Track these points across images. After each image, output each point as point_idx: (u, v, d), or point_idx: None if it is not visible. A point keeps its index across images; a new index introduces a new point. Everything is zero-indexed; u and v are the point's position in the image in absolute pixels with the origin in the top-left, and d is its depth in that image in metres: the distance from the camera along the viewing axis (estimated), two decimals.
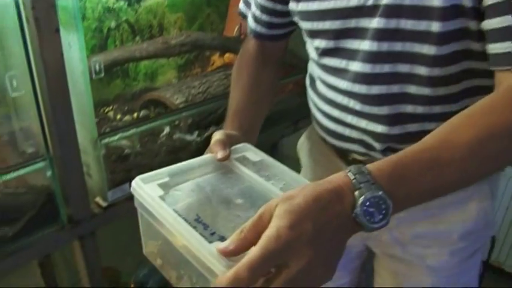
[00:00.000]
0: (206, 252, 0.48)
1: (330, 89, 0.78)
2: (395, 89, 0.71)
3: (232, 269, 0.44)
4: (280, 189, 0.62)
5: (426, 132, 0.54)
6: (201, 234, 0.51)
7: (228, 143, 0.68)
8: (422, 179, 0.49)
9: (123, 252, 1.47)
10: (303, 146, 1.01)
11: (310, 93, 0.87)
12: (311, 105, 0.88)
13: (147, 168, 1.07)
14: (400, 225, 0.83)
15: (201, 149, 1.19)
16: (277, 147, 1.98)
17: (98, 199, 1.03)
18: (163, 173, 0.61)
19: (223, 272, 0.45)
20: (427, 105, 0.71)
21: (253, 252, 0.43)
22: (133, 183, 0.59)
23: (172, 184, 0.61)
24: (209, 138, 1.25)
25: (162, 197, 0.56)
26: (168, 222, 0.53)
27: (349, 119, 0.77)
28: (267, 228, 0.44)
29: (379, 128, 0.74)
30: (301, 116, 1.41)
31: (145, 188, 0.57)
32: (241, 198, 0.61)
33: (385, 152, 0.76)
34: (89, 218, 0.99)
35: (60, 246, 1.08)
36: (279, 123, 1.40)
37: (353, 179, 0.47)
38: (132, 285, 1.34)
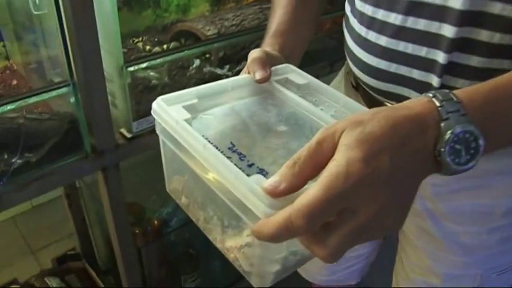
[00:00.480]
0: (244, 188, 0.37)
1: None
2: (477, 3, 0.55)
3: (283, 213, 0.34)
4: (332, 116, 0.52)
5: (493, 70, 0.44)
6: (235, 165, 0.41)
7: (268, 62, 0.56)
8: None
9: (148, 188, 1.46)
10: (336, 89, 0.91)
11: (349, 15, 0.74)
12: (347, 37, 0.75)
13: None
14: (435, 196, 0.72)
15: None
16: None
17: (123, 130, 1.00)
18: (190, 94, 0.51)
19: (268, 214, 0.35)
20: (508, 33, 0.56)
21: (313, 192, 0.33)
22: (155, 104, 0.49)
23: (201, 108, 0.51)
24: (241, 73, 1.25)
25: (188, 121, 0.46)
26: (196, 151, 0.43)
27: (402, 45, 0.63)
28: (331, 160, 0.35)
29: (440, 56, 0.60)
30: (338, 58, 1.33)
31: (169, 110, 0.47)
32: (284, 126, 0.51)
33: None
34: (112, 149, 0.95)
35: (84, 175, 1.07)
36: (315, 62, 1.33)
37: (439, 106, 0.38)
38: (156, 223, 1.33)
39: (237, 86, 0.54)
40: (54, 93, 0.85)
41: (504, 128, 0.40)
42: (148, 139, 1.00)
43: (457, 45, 0.58)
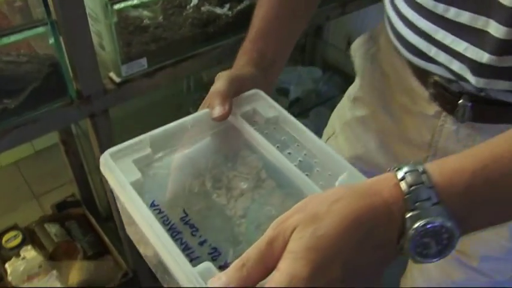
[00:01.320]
0: (189, 282, 0.35)
1: None
2: None
3: None
4: (300, 162, 0.47)
5: None
6: (185, 243, 0.40)
7: (231, 92, 0.49)
8: (506, 205, 0.33)
9: (139, 134, 1.41)
10: (362, 47, 0.77)
11: None
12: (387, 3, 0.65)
13: (168, 41, 0.97)
14: None
15: (230, 24, 1.07)
16: (323, 30, 1.79)
17: (112, 74, 0.92)
18: (143, 142, 0.45)
19: None
20: None
21: None
22: (102, 159, 0.44)
23: (154, 157, 0.46)
24: (241, 13, 1.15)
25: (138, 182, 0.42)
26: (143, 228, 0.39)
27: (441, 35, 0.53)
28: (276, 269, 0.31)
29: (484, 57, 0.49)
30: None
31: (116, 170, 0.42)
32: (245, 182, 0.46)
33: (482, 92, 0.54)
34: (100, 94, 0.89)
35: (70, 122, 1.01)
36: (325, 3, 1.22)
37: (407, 193, 0.32)
38: None
39: (198, 122, 0.48)
40: (30, 32, 0.77)
41: (487, 216, 0.33)
42: (139, 84, 0.93)
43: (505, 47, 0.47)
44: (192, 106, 1.58)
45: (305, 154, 0.48)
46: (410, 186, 0.31)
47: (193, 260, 0.40)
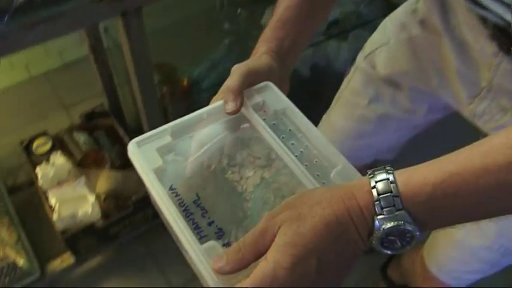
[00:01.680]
0: (197, 257, 0.42)
1: None
2: None
3: None
4: (301, 153, 0.52)
5: None
6: (196, 223, 0.48)
7: (244, 87, 0.52)
8: (467, 210, 0.38)
9: (180, 49, 1.36)
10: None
11: None
12: None
13: None
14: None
15: None
16: None
17: None
18: (164, 132, 0.51)
19: (215, 282, 0.41)
20: None
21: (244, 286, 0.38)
22: (129, 145, 0.49)
23: (174, 146, 0.52)
24: None
25: (160, 169, 0.48)
26: (162, 209, 0.45)
27: None
28: (264, 258, 0.39)
29: None
30: None
31: (140, 157, 0.48)
32: (256, 159, 0.53)
33: None
34: None
35: (100, 20, 0.96)
36: None
37: (376, 200, 0.38)
38: (185, 83, 1.25)
39: (213, 113, 0.53)
40: None
41: (449, 219, 0.39)
42: None
43: None
44: (224, 22, 1.52)
45: (306, 145, 0.52)
46: (379, 194, 0.37)
47: (202, 238, 0.47)
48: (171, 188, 0.50)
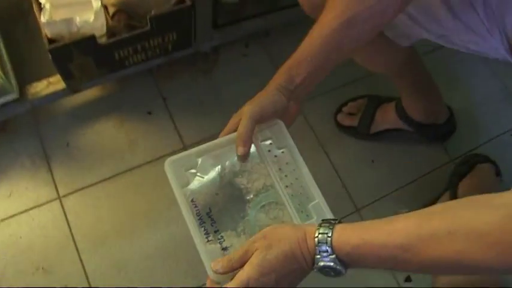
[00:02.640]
0: (203, 253, 0.61)
1: None
2: None
3: None
4: (291, 184, 0.66)
5: None
6: (206, 230, 0.64)
7: (252, 131, 0.64)
8: (377, 265, 0.53)
9: None
10: None
11: None
12: None
13: None
14: None
15: None
16: None
17: None
18: (193, 154, 0.66)
19: (213, 277, 0.60)
20: None
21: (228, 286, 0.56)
22: (165, 163, 0.65)
23: (198, 167, 0.67)
24: None
25: (186, 184, 0.65)
26: (185, 217, 0.63)
27: None
28: (242, 269, 0.56)
29: None
30: None
31: (173, 176, 0.65)
32: (252, 194, 0.68)
33: None
34: None
35: None
36: None
37: (316, 245, 0.54)
38: None
39: (228, 143, 0.67)
40: None
41: (367, 266, 0.53)
42: None
43: None
44: None
45: (296, 179, 0.67)
46: (319, 242, 0.53)
47: (209, 242, 0.63)
48: (192, 201, 0.65)
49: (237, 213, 0.67)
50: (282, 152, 0.68)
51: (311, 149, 1.20)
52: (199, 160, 0.67)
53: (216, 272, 0.58)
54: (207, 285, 0.61)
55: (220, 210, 0.67)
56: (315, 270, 0.55)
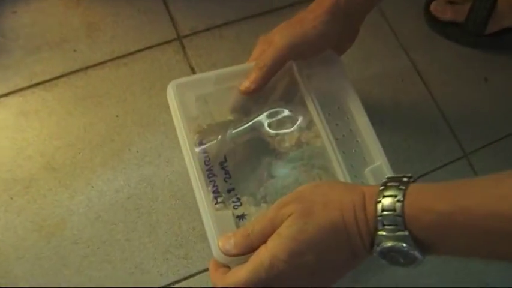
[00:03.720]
0: (208, 219, 0.44)
1: None
2: None
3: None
4: (342, 137, 0.50)
5: None
6: (217, 187, 0.46)
7: (281, 64, 0.48)
8: (485, 248, 0.33)
9: None
10: None
11: None
12: None
13: None
14: None
15: None
16: None
17: None
18: (208, 78, 0.49)
19: (215, 246, 0.42)
20: None
21: (240, 274, 0.38)
22: (169, 88, 0.48)
23: (213, 95, 0.50)
24: None
25: (194, 119, 0.48)
26: (187, 163, 0.46)
27: None
28: (264, 245, 0.38)
29: None
30: None
31: (178, 103, 0.47)
32: (283, 149, 0.50)
33: None
34: None
35: None
36: None
37: (378, 216, 0.34)
38: None
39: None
40: None
41: (453, 249, 0.34)
42: None
43: None
44: None
45: (350, 130, 0.50)
46: (383, 210, 0.34)
47: (218, 204, 0.45)
48: (200, 143, 0.48)
49: (259, 172, 0.50)
50: (333, 96, 0.52)
51: (390, 60, 0.73)
52: (215, 90, 0.50)
53: (226, 253, 0.41)
54: (210, 269, 0.42)
55: (238, 164, 0.50)
56: (374, 254, 0.36)
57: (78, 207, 0.59)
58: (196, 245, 0.58)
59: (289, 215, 0.37)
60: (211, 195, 0.46)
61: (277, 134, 0.52)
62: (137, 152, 0.63)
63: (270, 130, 0.52)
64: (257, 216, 0.42)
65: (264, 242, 0.38)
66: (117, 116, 0.65)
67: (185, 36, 0.71)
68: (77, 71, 0.68)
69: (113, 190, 0.60)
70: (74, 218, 0.59)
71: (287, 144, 0.51)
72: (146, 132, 0.64)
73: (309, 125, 0.53)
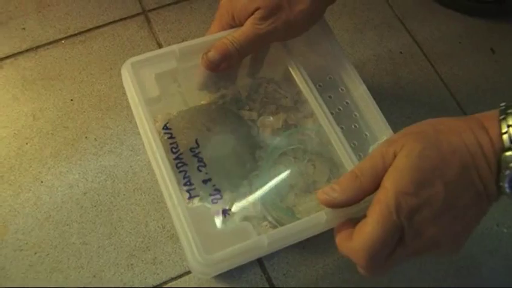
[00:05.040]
0: (179, 218, 0.34)
1: None
2: None
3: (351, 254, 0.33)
4: (338, 111, 0.43)
5: None
6: (189, 178, 0.39)
7: (242, 54, 0.41)
8: None
9: None
10: None
11: None
12: None
13: None
14: None
15: None
16: None
17: None
18: (170, 54, 0.40)
19: (191, 251, 0.33)
20: None
21: (370, 231, 0.31)
22: (123, 67, 0.39)
23: (179, 72, 0.41)
24: None
25: (156, 100, 0.39)
26: (148, 152, 0.37)
27: None
28: (381, 187, 0.32)
29: None
30: None
31: (134, 84, 0.38)
32: (283, 98, 0.44)
33: None
34: None
35: None
36: None
37: (504, 132, 0.30)
38: None
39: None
40: None
41: None
42: None
43: None
44: None
45: (347, 103, 0.44)
46: (508, 127, 0.31)
47: (192, 198, 0.38)
48: (165, 128, 0.40)
49: (240, 160, 0.42)
50: (324, 63, 0.44)
51: (385, 31, 0.65)
52: (181, 66, 0.40)
53: (331, 205, 0.34)
54: (338, 243, 0.34)
55: (214, 149, 0.41)
56: (502, 184, 0.30)
57: (24, 206, 0.49)
58: (167, 247, 0.48)
59: (403, 146, 0.32)
60: (183, 188, 0.39)
61: (259, 116, 0.45)
62: (95, 140, 0.53)
63: (250, 112, 0.45)
64: (244, 214, 0.38)
65: (376, 183, 0.33)
66: (71, 100, 0.55)
67: (151, 10, 0.62)
68: (26, 51, 0.58)
69: (66, 185, 0.51)
70: (19, 220, 0.49)
71: (272, 127, 0.45)
72: (106, 118, 0.55)
73: (297, 103, 0.46)
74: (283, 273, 0.49)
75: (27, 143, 0.53)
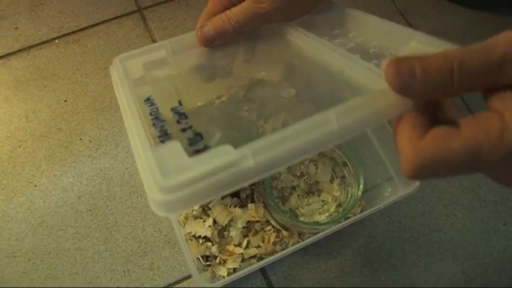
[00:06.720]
0: (142, 163, 0.25)
1: None
2: None
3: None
4: (350, 48, 0.35)
5: None
6: (165, 130, 0.31)
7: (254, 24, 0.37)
8: None
9: None
10: None
11: None
12: None
13: None
14: None
15: None
16: None
17: None
18: (159, 47, 0.37)
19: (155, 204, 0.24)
20: None
21: (455, 146, 0.22)
22: (112, 66, 0.37)
23: (168, 61, 0.38)
24: None
25: (140, 80, 0.36)
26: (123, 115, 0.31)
27: None
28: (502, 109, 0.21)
29: None
30: None
31: (120, 71, 0.35)
32: (273, 109, 0.42)
33: None
34: None
35: None
36: None
37: None
38: None
39: None
40: None
41: None
42: None
43: None
44: None
45: (360, 40, 0.37)
46: None
47: (161, 141, 0.30)
48: (148, 100, 0.34)
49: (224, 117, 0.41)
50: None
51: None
52: (172, 55, 0.37)
53: (401, 86, 0.24)
54: (397, 134, 0.25)
55: (205, 106, 0.41)
56: None
57: (17, 211, 0.48)
58: (164, 252, 0.47)
59: None
60: (151, 137, 0.30)
61: (258, 119, 0.43)
62: (90, 141, 0.52)
63: (248, 114, 0.44)
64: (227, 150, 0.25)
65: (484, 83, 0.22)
66: (65, 100, 0.54)
67: (146, 8, 0.61)
68: (19, 50, 0.57)
69: (60, 189, 0.49)
70: (12, 225, 0.47)
71: (272, 127, 0.43)
72: (101, 118, 0.53)
73: (297, 103, 0.43)
74: (285, 277, 0.47)
75: (20, 146, 0.51)
